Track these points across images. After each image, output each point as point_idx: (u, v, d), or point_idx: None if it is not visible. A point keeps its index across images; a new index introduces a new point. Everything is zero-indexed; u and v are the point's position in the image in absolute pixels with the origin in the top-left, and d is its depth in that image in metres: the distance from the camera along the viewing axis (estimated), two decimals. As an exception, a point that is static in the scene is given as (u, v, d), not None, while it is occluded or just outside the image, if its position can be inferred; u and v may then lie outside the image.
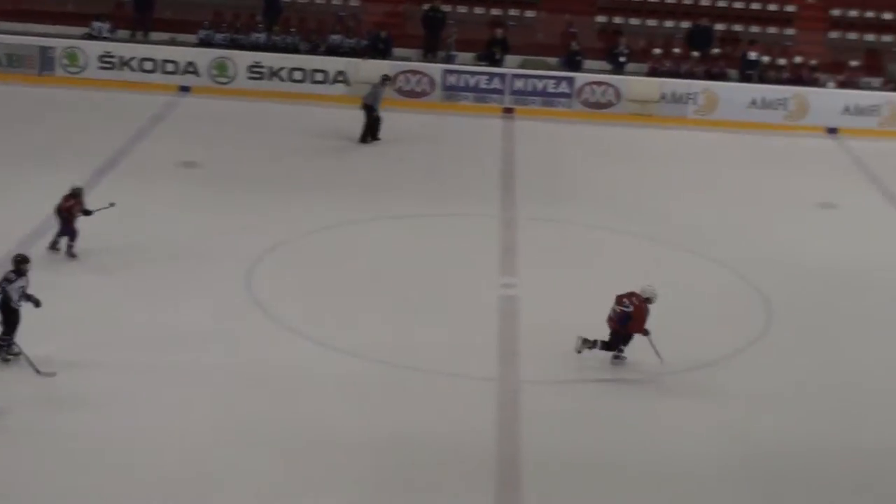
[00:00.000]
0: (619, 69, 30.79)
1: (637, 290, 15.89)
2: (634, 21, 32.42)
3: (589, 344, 15.92)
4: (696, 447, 14.17)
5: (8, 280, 14.89)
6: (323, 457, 13.40)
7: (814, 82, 30.57)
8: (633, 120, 29.47)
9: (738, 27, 32.42)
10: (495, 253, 20.03)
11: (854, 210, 23.72)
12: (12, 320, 14.91)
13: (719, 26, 32.18)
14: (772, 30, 32.53)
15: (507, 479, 13.24)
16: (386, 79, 27.22)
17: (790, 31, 32.64)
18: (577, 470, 13.50)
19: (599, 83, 29.86)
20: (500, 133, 27.94)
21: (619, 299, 15.84)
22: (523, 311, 17.64)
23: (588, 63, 30.92)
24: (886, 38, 32.59)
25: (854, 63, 31.25)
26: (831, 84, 30.63)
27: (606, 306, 15.88)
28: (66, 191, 18.53)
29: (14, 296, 14.82)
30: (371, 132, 26.27)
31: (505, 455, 13.72)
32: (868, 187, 25.50)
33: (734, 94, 29.90)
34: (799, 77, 30.68)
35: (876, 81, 31.20)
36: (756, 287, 18.71)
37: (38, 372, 14.60)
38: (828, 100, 29.94)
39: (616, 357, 16.05)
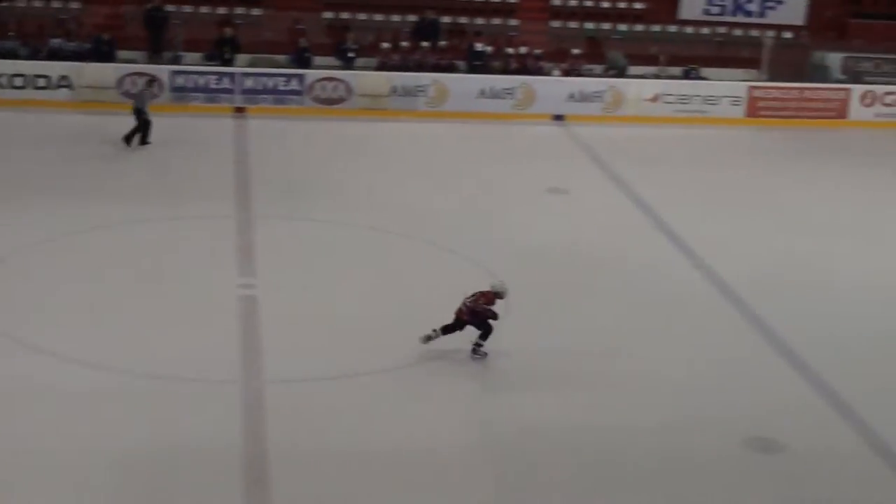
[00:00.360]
0: (348, 65, 30.82)
1: (488, 287, 16.18)
2: (362, 16, 32.52)
3: (435, 334, 16.09)
4: (445, 435, 14.26)
5: None
6: (63, 473, 12.85)
7: (539, 71, 31.41)
8: (366, 114, 29.56)
9: (463, 19, 32.97)
10: (232, 254, 19.68)
11: (583, 193, 24.47)
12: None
13: (445, 19, 32.65)
14: (496, 21, 33.25)
15: (256, 479, 13.02)
16: (151, 81, 27.15)
17: (514, 22, 33.44)
18: (325, 464, 13.39)
19: (330, 79, 29.81)
20: (233, 133, 27.54)
21: (471, 294, 16.07)
22: (263, 311, 17.40)
23: (318, 59, 30.83)
24: (605, 26, 33.80)
25: (576, 51, 32.25)
26: (556, 72, 31.53)
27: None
28: None
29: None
30: (142, 136, 25.72)
31: (252, 455, 13.50)
32: (595, 171, 26.36)
33: (463, 85, 30.39)
34: (524, 67, 31.46)
35: (598, 68, 32.29)
36: (491, 272, 19.00)
37: None
38: (553, 88, 30.82)
39: (475, 352, 16.18)
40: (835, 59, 33.71)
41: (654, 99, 31.11)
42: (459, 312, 16.12)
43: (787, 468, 14.03)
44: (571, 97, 30.72)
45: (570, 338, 17.12)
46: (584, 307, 18.30)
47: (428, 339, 16.14)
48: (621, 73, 32.00)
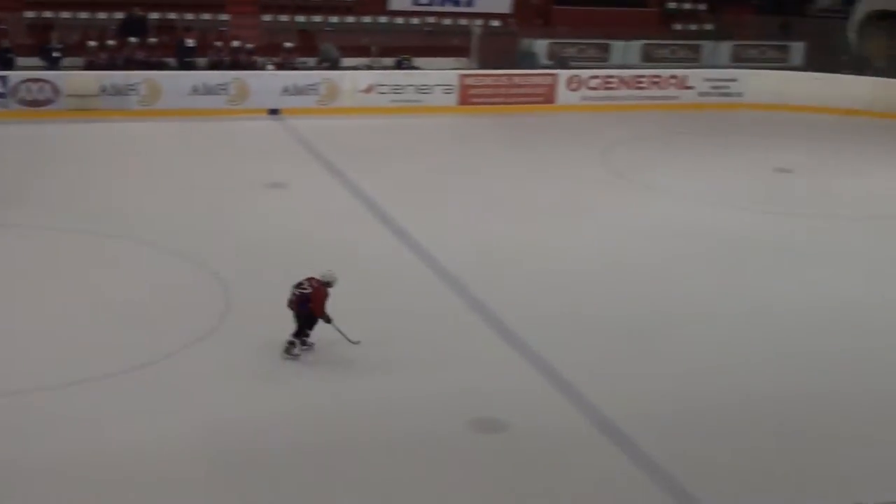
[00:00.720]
0: (54, 65, 29.80)
1: (316, 275, 16.00)
2: (66, 14, 31.52)
3: (293, 346, 15.96)
4: (173, 437, 14.04)
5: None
6: None
7: (252, 66, 31.22)
8: (76, 115, 28.65)
9: (172, 15, 32.41)
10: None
11: (302, 187, 24.50)
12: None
13: (154, 15, 32.01)
14: (206, 16, 32.83)
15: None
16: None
17: (224, 17, 33.09)
18: (41, 479, 12.94)
19: (35, 80, 28.75)
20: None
21: (300, 283, 15.91)
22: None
23: (21, 60, 29.67)
24: (317, 18, 33.91)
25: (288, 44, 32.22)
26: (269, 66, 31.41)
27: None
28: None
29: None
30: None
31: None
32: (313, 164, 26.43)
33: (176, 82, 29.90)
34: (237, 61, 31.20)
35: (311, 61, 32.36)
36: (214, 272, 18.80)
37: None
38: (267, 82, 30.71)
39: (304, 344, 16.03)
40: (541, 45, 34.91)
41: (369, 90, 31.43)
42: (290, 303, 15.93)
43: (509, 446, 14.44)
44: (286, 91, 30.69)
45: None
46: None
47: (289, 350, 15.95)
48: (335, 66, 32.17)
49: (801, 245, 22.59)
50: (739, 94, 34.40)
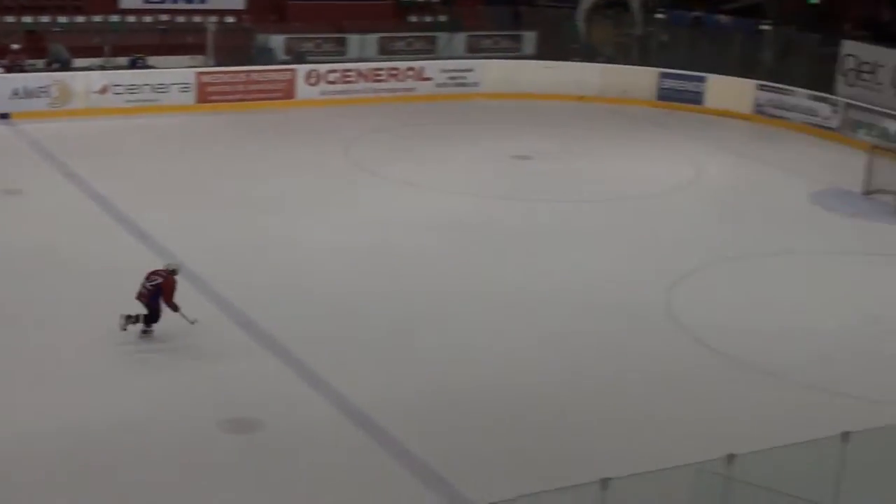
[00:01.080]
0: None
1: (162, 266, 17.00)
2: None
3: (132, 319, 16.57)
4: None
5: None
6: None
7: (-25, 69, 29.91)
8: None
9: None
10: None
11: (38, 193, 23.62)
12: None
13: None
14: (-77, 19, 31.23)
15: None
16: None
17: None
18: None
19: None
20: None
21: (148, 275, 16.68)
22: None
23: None
24: (44, 18, 32.71)
25: (16, 46, 30.95)
26: (-3, 69, 30.17)
27: None
28: None
29: None
30: None
31: None
32: (48, 169, 25.50)
33: None
34: (-43, 65, 29.83)
35: (40, 62, 31.19)
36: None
37: None
38: (-5, 85, 29.47)
39: (144, 332, 16.69)
40: (278, 40, 34.68)
41: (104, 91, 30.52)
42: (142, 296, 16.62)
43: (265, 444, 14.36)
44: (16, 94, 29.49)
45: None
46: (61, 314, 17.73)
47: (126, 324, 16.60)
48: (65, 67, 31.09)
49: (547, 230, 23.27)
50: (476, 84, 35.10)
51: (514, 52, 36.43)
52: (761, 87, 33.81)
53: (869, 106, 31.47)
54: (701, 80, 34.58)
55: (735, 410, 16.18)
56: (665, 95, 34.88)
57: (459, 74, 35.01)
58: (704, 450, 12.42)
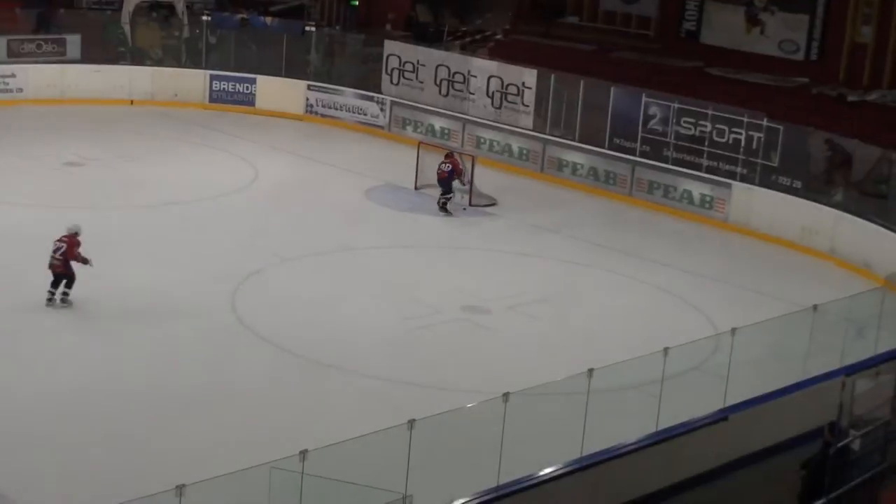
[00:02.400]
0: None
1: (65, 232, 18.87)
2: None
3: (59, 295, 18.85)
4: None
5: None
6: None
7: None
8: None
9: None
10: None
11: None
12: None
13: None
14: None
15: None
16: None
17: None
18: None
19: None
20: None
21: (55, 249, 18.74)
22: None
23: None
24: None
25: None
26: None
27: None
28: None
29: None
30: None
31: None
32: None
33: None
34: None
35: None
36: None
37: None
38: None
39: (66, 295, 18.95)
40: None
41: None
42: (54, 267, 18.72)
43: None
44: None
45: None
46: None
47: (50, 301, 18.81)
48: None
49: (104, 238, 22.57)
50: (21, 90, 33.54)
51: (61, 56, 35.08)
52: (311, 88, 34.50)
53: (414, 103, 32.89)
54: (251, 81, 34.81)
55: (305, 407, 16.47)
56: (217, 98, 34.83)
57: (1, 80, 33.31)
58: (278, 447, 12.57)
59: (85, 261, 18.91)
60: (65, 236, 18.97)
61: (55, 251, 18.89)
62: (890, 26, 30.52)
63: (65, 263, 18.90)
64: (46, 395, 16.14)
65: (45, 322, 18.54)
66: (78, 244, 18.94)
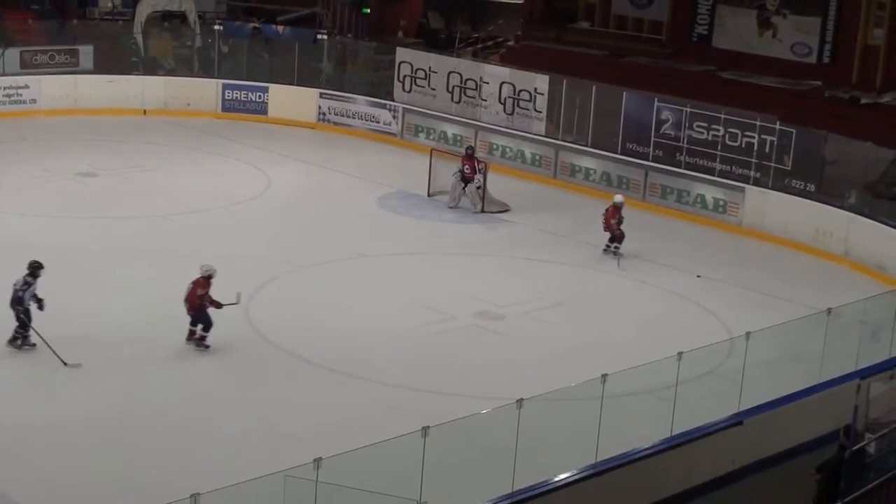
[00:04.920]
0: None
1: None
2: None
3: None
4: None
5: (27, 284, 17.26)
6: None
7: None
8: None
9: None
10: None
11: None
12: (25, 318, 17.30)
13: None
14: None
15: None
16: None
17: None
18: None
19: None
20: None
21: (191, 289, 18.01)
22: None
23: None
24: None
25: None
26: None
27: None
28: None
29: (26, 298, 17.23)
30: None
31: None
32: None
33: None
34: None
35: None
36: None
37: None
38: None
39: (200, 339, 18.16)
40: None
41: None
42: (187, 309, 17.95)
43: None
44: None
45: None
46: None
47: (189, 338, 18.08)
48: None
49: (118, 247, 22.72)
50: (33, 101, 33.65)
51: (73, 67, 35.21)
52: (323, 96, 34.55)
53: (426, 110, 32.91)
54: (264, 90, 34.87)
55: (319, 414, 16.49)
56: (229, 107, 34.88)
57: (14, 91, 33.41)
58: (293, 455, 12.58)
59: (218, 305, 18.06)
60: (201, 279, 18.03)
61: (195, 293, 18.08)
62: (902, 28, 30.51)
63: (193, 307, 18.06)
64: (60, 403, 16.19)
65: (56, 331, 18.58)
66: (204, 286, 18.02)
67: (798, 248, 25.79)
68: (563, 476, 14.25)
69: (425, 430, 12.68)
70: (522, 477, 13.73)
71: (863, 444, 14.04)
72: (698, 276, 23.10)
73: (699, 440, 15.67)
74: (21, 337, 17.60)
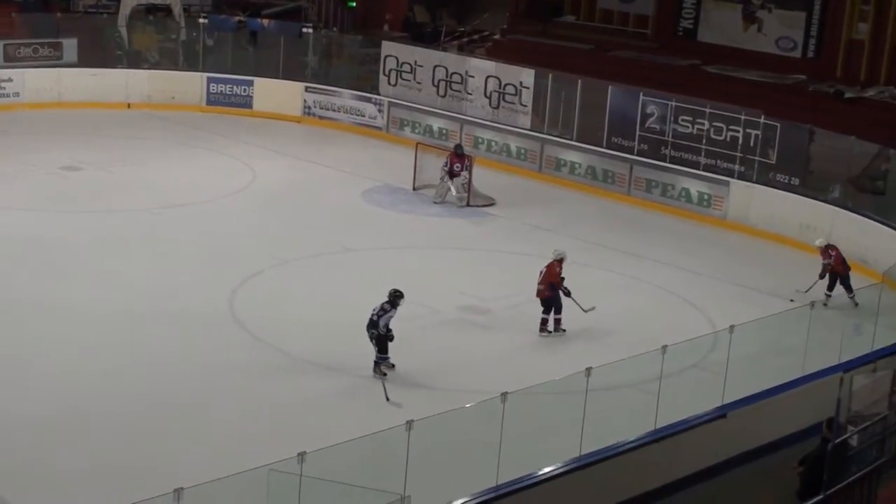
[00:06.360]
0: None
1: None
2: None
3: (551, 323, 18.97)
4: None
5: (384, 310, 17.11)
6: None
7: None
8: None
9: None
10: None
11: None
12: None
13: None
14: None
15: None
16: None
17: None
18: None
19: None
20: None
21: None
22: None
23: None
24: None
25: None
26: None
27: None
28: None
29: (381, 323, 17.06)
30: None
31: None
32: None
33: None
34: None
35: None
36: None
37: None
38: None
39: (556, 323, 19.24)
40: None
41: None
42: (539, 293, 19.14)
43: None
44: None
45: None
46: None
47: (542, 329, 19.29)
48: None
49: (103, 241, 22.68)
50: (17, 94, 33.53)
51: (57, 60, 35.08)
52: (308, 90, 34.50)
53: (411, 104, 32.88)
54: (249, 84, 34.79)
55: (303, 408, 16.49)
56: (214, 100, 34.80)
57: (-2, 85, 33.33)
58: (277, 449, 12.58)
59: (567, 292, 19.40)
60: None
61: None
62: (887, 23, 30.54)
63: (549, 288, 19.35)
64: (46, 396, 16.15)
65: (40, 324, 18.54)
66: (556, 269, 19.39)
67: (783, 241, 25.85)
68: (547, 469, 14.28)
69: (409, 423, 12.69)
70: (507, 470, 13.75)
71: (845, 436, 14.09)
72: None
73: (683, 433, 15.72)
74: (381, 362, 17.49)
